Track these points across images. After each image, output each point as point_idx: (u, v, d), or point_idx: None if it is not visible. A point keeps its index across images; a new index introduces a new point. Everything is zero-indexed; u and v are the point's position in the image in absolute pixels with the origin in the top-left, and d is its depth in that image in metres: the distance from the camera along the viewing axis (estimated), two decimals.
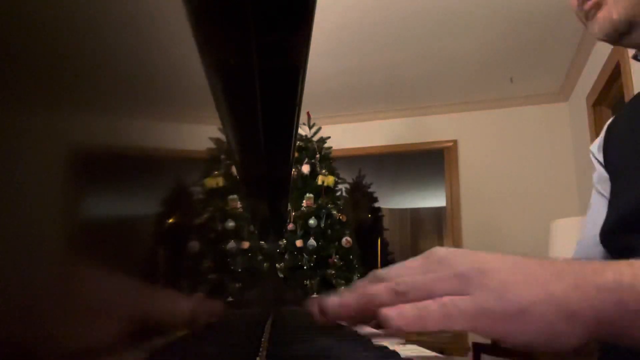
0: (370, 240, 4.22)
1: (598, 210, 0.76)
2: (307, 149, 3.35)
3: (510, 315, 0.32)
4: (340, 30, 2.98)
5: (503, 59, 3.33)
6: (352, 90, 3.83)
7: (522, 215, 3.73)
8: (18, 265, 0.12)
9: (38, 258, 0.13)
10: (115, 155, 0.20)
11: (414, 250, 6.78)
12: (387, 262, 5.23)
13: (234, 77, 0.44)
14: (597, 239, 0.73)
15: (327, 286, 3.01)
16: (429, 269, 0.36)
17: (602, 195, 0.77)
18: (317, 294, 2.96)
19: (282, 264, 3.02)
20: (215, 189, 0.50)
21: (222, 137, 0.51)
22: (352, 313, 0.37)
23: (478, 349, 2.99)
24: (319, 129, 3.42)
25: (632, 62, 2.23)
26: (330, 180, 3.23)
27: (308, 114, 3.43)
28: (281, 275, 2.97)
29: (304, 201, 3.15)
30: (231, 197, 0.60)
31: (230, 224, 0.58)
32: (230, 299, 0.58)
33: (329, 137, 3.43)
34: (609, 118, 0.80)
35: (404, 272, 0.37)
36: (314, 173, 3.27)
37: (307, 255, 3.04)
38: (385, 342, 0.61)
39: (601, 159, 0.78)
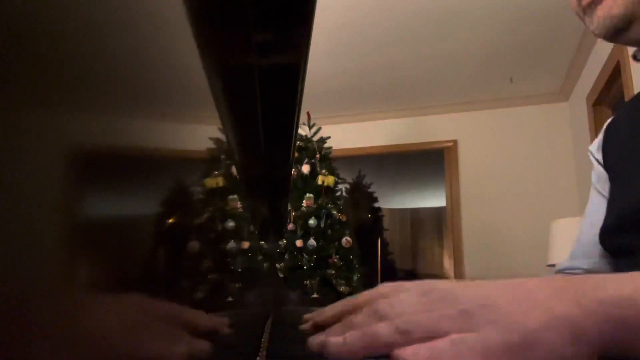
0: (370, 240, 4.22)
1: (597, 209, 0.76)
2: (307, 149, 3.35)
3: (517, 346, 0.32)
4: (340, 30, 2.98)
5: (503, 59, 3.33)
6: (352, 90, 3.83)
7: (522, 215, 3.73)
8: (18, 264, 0.12)
9: (39, 258, 0.13)
10: (115, 155, 0.20)
11: (414, 250, 6.78)
12: (387, 262, 5.24)
13: (234, 76, 0.44)
14: (596, 238, 0.73)
15: (327, 286, 3.01)
16: (431, 306, 0.36)
17: (601, 194, 0.77)
18: (317, 294, 2.97)
19: (282, 264, 3.02)
20: (215, 189, 0.50)
21: (222, 137, 0.51)
22: (355, 355, 0.37)
23: None
24: (319, 129, 3.42)
25: (632, 62, 2.23)
26: (330, 180, 3.23)
27: (308, 114, 3.43)
28: (281, 275, 2.97)
29: (304, 201, 3.15)
30: (231, 197, 0.60)
31: (230, 224, 0.58)
32: (230, 299, 0.57)
33: (329, 137, 3.44)
34: (609, 118, 0.80)
35: (405, 309, 0.37)
36: (314, 173, 3.27)
37: (307, 255, 3.04)
38: None
39: (600, 158, 0.78)
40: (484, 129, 4.01)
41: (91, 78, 0.17)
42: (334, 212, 3.16)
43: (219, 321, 0.42)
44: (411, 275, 6.32)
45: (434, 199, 6.59)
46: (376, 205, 5.75)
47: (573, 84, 3.57)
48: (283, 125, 0.58)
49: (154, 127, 0.26)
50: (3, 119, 0.11)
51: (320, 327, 0.44)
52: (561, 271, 0.81)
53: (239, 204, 0.64)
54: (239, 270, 0.66)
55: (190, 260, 0.38)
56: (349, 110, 4.18)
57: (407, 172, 5.78)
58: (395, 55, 3.30)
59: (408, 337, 0.35)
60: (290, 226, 3.11)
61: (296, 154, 3.22)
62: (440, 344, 0.34)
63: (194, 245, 0.39)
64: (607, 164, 0.76)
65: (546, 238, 2.89)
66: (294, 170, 3.18)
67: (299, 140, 3.25)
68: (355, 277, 3.08)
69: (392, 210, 6.84)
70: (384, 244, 4.83)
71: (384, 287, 0.41)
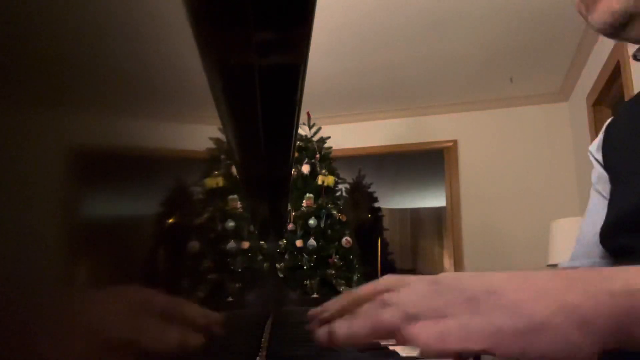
0: (370, 240, 4.21)
1: (597, 210, 0.76)
2: (307, 149, 3.35)
3: (526, 331, 0.32)
4: (341, 30, 2.98)
5: (503, 59, 3.33)
6: (352, 90, 3.83)
7: (522, 215, 3.73)
8: (18, 264, 0.12)
9: (40, 257, 0.13)
10: (115, 155, 0.20)
11: (414, 250, 6.78)
12: (387, 262, 5.23)
13: (234, 76, 0.44)
14: (597, 238, 0.73)
15: (327, 286, 3.01)
16: (438, 295, 0.36)
17: (601, 194, 0.77)
18: (317, 294, 2.96)
19: (282, 264, 3.02)
20: (215, 189, 0.50)
21: (222, 137, 0.51)
22: (362, 340, 0.37)
23: None
24: (319, 129, 3.42)
25: (632, 62, 2.23)
26: (330, 180, 3.23)
27: (308, 114, 3.43)
28: (281, 275, 2.97)
29: (304, 201, 3.15)
30: (231, 197, 0.60)
31: (230, 224, 0.58)
32: (230, 299, 0.57)
33: (329, 137, 3.43)
34: (609, 118, 0.80)
35: (413, 297, 0.37)
36: (314, 173, 3.27)
37: (307, 255, 3.04)
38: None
39: (600, 158, 0.78)
40: (484, 129, 4.01)
41: (92, 78, 0.17)
42: (334, 212, 3.15)
43: (219, 321, 0.42)
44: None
45: (434, 199, 6.58)
46: (376, 205, 5.75)
47: (573, 84, 3.57)
48: (283, 125, 0.58)
49: (154, 127, 0.26)
50: (4, 119, 0.11)
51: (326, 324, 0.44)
52: None
53: (239, 204, 0.64)
54: (239, 270, 0.66)
55: (190, 260, 0.38)
56: (349, 110, 4.18)
57: (407, 172, 5.78)
58: (395, 55, 3.30)
59: (415, 321, 0.35)
60: (290, 226, 3.10)
61: (296, 154, 3.22)
62: (449, 323, 0.34)
63: (194, 245, 0.39)
64: (607, 164, 0.76)
65: (546, 238, 2.89)
66: (294, 170, 3.18)
67: (299, 140, 3.25)
68: (355, 277, 3.08)
69: (392, 210, 6.83)
70: (384, 244, 4.83)
71: (388, 279, 0.41)
